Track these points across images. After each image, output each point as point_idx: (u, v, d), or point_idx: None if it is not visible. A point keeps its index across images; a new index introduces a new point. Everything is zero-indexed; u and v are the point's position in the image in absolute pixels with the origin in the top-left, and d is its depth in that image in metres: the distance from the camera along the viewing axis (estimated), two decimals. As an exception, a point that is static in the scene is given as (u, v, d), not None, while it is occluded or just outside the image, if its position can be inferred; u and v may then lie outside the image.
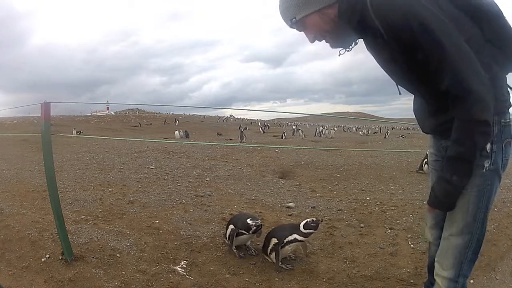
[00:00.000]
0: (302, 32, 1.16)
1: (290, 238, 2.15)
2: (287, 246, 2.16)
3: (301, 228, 2.13)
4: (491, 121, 1.02)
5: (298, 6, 1.10)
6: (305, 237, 2.15)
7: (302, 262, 2.29)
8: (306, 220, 2.16)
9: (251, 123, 39.00)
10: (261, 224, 2.28)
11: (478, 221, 1.13)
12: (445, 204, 1.13)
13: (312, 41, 1.16)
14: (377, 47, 1.14)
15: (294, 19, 1.12)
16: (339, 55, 1.20)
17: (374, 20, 1.03)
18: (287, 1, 1.11)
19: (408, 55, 1.05)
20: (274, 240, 2.19)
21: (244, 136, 14.78)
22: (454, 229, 1.16)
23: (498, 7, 1.10)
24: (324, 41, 1.16)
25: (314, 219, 2.16)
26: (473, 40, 1.04)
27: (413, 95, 1.30)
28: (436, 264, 1.23)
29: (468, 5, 1.08)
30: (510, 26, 1.11)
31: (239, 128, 23.49)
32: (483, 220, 1.14)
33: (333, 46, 1.17)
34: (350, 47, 1.17)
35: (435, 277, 1.24)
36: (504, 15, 1.10)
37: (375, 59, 1.20)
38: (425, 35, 0.98)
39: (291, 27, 1.15)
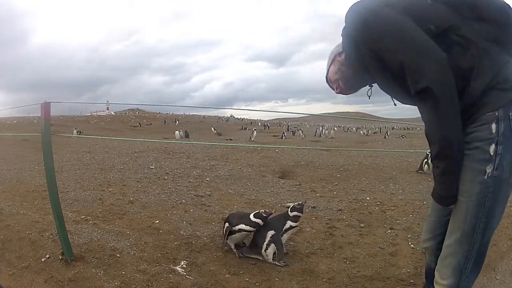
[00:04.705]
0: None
1: (287, 226, 2.29)
2: (284, 234, 2.29)
3: (289, 213, 2.30)
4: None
5: (327, 63, 1.32)
6: (296, 222, 2.31)
7: (302, 262, 2.29)
8: (292, 205, 2.34)
9: (251, 123, 39.03)
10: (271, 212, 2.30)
11: (478, 232, 1.05)
12: (447, 198, 1.09)
13: (338, 91, 1.34)
14: (376, 72, 1.18)
15: (327, 76, 1.33)
16: (369, 98, 1.33)
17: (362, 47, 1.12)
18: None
19: (387, 68, 1.11)
20: (271, 233, 2.23)
21: (252, 136, 15.48)
22: (452, 238, 1.11)
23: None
24: (340, 92, 1.33)
25: (299, 202, 2.33)
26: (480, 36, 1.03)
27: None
28: (436, 273, 1.21)
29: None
30: None
31: (247, 128, 25.11)
32: (484, 230, 1.05)
33: (346, 91, 1.33)
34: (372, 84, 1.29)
35: (434, 285, 1.22)
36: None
37: (380, 84, 1.24)
38: (387, 45, 1.07)
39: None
